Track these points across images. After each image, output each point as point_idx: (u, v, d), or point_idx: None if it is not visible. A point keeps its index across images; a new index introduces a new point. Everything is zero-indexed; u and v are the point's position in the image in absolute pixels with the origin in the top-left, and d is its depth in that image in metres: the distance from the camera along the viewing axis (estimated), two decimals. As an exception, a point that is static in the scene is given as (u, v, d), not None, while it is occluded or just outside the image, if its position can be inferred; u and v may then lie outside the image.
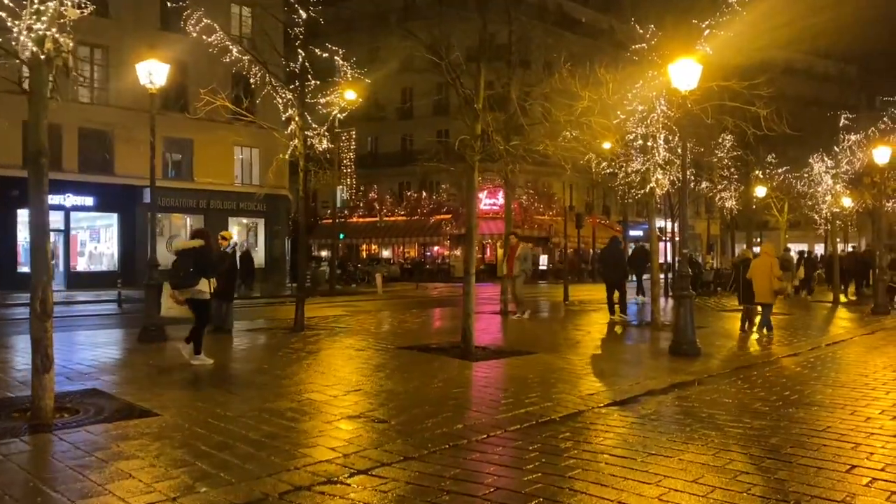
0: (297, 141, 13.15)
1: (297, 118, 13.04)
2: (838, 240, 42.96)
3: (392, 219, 48.10)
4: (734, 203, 29.41)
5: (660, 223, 62.44)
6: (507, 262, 17.22)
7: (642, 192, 14.57)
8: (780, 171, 25.39)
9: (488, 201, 45.62)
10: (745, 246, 51.11)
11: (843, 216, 30.36)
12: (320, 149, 13.38)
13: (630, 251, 25.64)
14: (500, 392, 7.86)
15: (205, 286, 9.28)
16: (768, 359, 10.81)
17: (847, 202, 27.77)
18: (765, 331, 13.58)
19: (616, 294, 16.77)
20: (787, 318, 17.48)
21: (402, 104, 49.70)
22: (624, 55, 14.20)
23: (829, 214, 26.32)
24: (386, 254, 50.20)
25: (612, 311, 16.60)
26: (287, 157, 13.37)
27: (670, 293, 20.13)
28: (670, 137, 13.69)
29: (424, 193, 47.54)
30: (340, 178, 44.68)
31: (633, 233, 55.27)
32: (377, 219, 48.26)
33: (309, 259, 38.37)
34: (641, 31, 13.19)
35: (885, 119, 22.56)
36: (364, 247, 51.20)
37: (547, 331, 14.89)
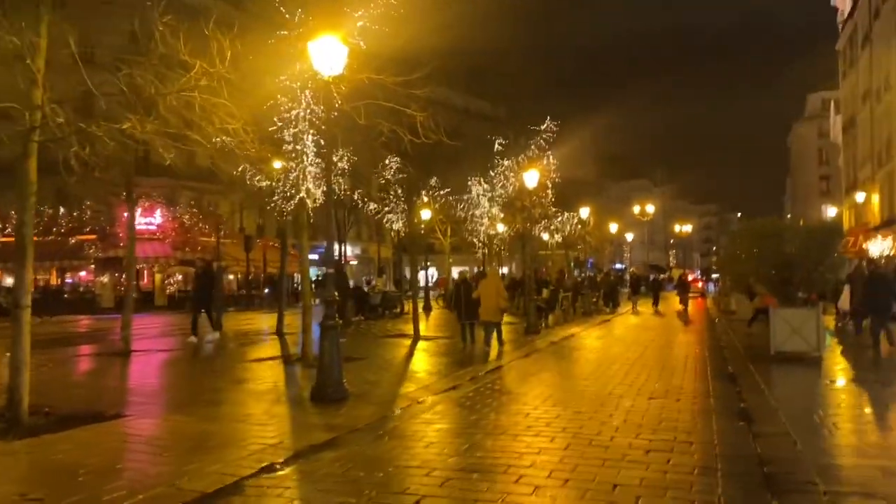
0: None
1: None
2: (495, 263, 46.04)
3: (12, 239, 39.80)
4: (401, 226, 28.92)
5: (336, 246, 61.49)
6: None
7: (292, 204, 12.43)
8: (441, 193, 25.38)
9: (143, 220, 40.14)
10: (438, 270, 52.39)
11: (499, 240, 32.00)
12: None
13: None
14: (13, 504, 4.83)
15: None
16: (425, 396, 9.21)
17: (501, 227, 29.24)
18: (496, 346, 14.70)
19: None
20: (446, 342, 16.69)
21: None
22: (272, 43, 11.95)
23: (486, 238, 27.29)
24: (10, 281, 41.42)
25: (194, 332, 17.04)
26: None
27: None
28: (322, 142, 11.72)
29: (62, 209, 40.31)
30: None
31: (311, 256, 53.67)
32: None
33: None
34: (288, 15, 11.09)
35: (532, 147, 23.60)
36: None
37: (167, 377, 11.83)
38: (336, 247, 43.79)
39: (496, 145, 23.46)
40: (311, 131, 11.48)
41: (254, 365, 12.53)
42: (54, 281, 42.35)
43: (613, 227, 45.03)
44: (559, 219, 31.44)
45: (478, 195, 23.33)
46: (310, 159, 11.72)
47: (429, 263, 59.70)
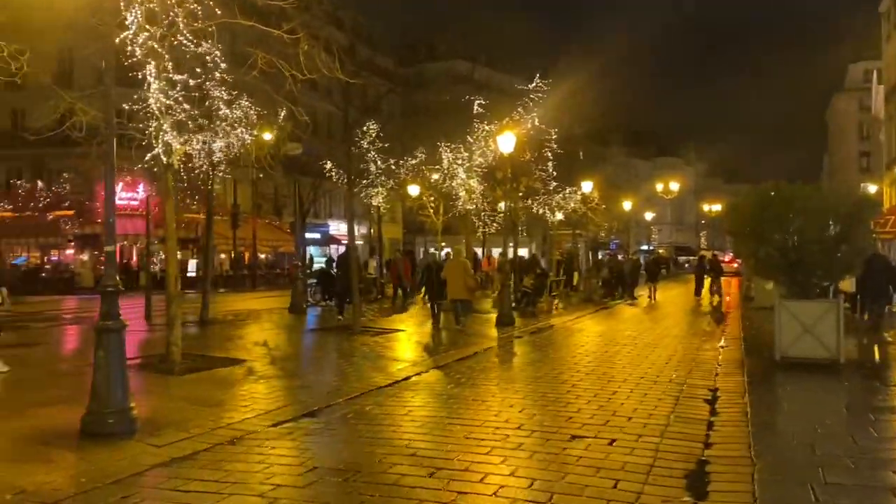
0: None
1: None
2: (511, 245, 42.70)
3: (-8, 214, 37.97)
4: (381, 201, 25.94)
5: (342, 225, 58.99)
6: None
7: (148, 162, 9.70)
8: (412, 162, 22.44)
9: (125, 195, 37.87)
10: (430, 250, 49.52)
11: (499, 216, 28.93)
12: None
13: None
14: None
15: None
16: (259, 427, 6.44)
17: (502, 205, 26.28)
18: (461, 320, 14.93)
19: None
20: (391, 335, 13.89)
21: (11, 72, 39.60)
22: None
23: (484, 216, 24.36)
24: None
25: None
26: None
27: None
28: (171, 66, 8.90)
29: (40, 183, 38.22)
30: None
31: (308, 235, 51.19)
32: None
33: None
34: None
35: (519, 109, 20.50)
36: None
37: None
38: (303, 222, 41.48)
39: (475, 107, 20.43)
40: (153, 61, 8.65)
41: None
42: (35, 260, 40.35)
43: (627, 206, 41.35)
44: (560, 195, 28.23)
45: (449, 163, 20.36)
46: (157, 101, 8.92)
47: (443, 244, 56.81)
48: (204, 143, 10.61)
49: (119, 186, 38.56)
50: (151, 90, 8.74)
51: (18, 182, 38.53)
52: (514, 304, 19.35)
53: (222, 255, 44.69)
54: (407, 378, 9.28)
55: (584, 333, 15.22)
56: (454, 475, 5.11)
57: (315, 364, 10.39)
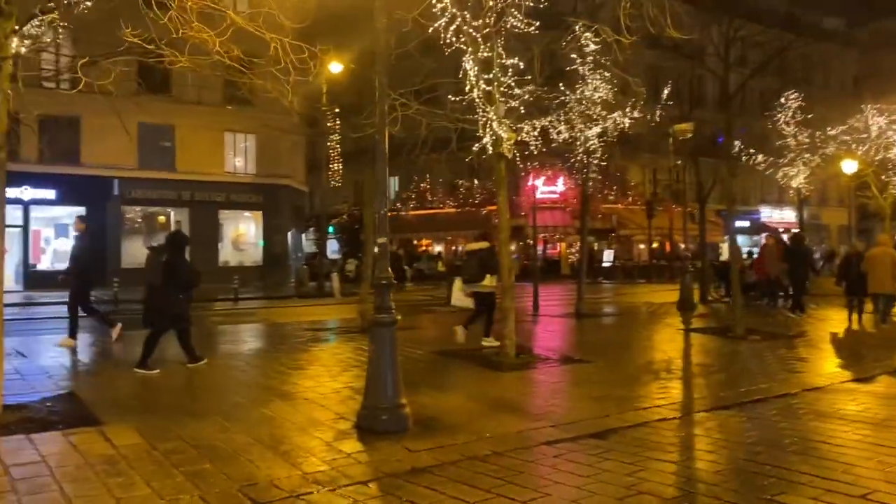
0: None
1: None
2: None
3: (443, 210, 43.93)
4: (803, 181, 22.29)
5: (776, 211, 53.58)
6: None
7: (482, 151, 9.57)
8: (834, 132, 18.48)
9: (545, 189, 40.05)
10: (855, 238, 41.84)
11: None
12: None
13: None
14: None
15: (489, 281, 10.74)
16: (568, 436, 5.65)
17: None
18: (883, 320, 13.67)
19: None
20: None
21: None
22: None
23: None
24: (439, 249, 45.96)
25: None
26: None
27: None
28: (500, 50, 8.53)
29: (476, 182, 42.76)
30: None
31: (737, 223, 47.40)
32: (429, 211, 44.33)
33: (314, 256, 35.02)
34: None
35: None
36: (423, 242, 47.36)
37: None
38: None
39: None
40: (471, 49, 8.38)
41: (441, 359, 10.04)
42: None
43: None
44: None
45: (879, 129, 16.33)
46: (480, 90, 8.65)
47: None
48: (541, 129, 10.16)
49: (540, 181, 41.11)
50: (469, 79, 8.55)
51: (459, 181, 43.74)
52: None
53: (641, 246, 44.24)
54: (762, 399, 7.38)
55: None
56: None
57: (659, 373, 9.01)
